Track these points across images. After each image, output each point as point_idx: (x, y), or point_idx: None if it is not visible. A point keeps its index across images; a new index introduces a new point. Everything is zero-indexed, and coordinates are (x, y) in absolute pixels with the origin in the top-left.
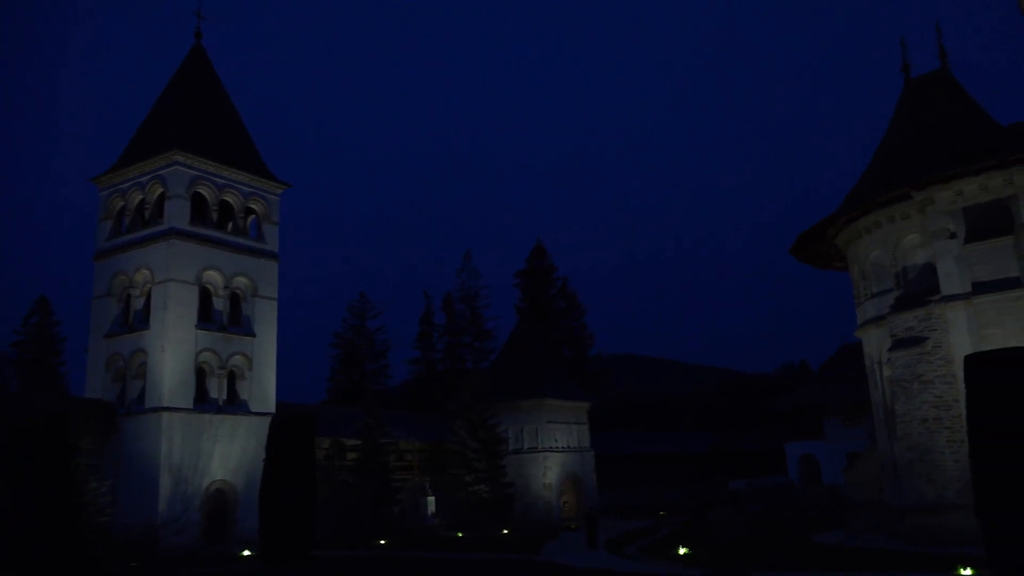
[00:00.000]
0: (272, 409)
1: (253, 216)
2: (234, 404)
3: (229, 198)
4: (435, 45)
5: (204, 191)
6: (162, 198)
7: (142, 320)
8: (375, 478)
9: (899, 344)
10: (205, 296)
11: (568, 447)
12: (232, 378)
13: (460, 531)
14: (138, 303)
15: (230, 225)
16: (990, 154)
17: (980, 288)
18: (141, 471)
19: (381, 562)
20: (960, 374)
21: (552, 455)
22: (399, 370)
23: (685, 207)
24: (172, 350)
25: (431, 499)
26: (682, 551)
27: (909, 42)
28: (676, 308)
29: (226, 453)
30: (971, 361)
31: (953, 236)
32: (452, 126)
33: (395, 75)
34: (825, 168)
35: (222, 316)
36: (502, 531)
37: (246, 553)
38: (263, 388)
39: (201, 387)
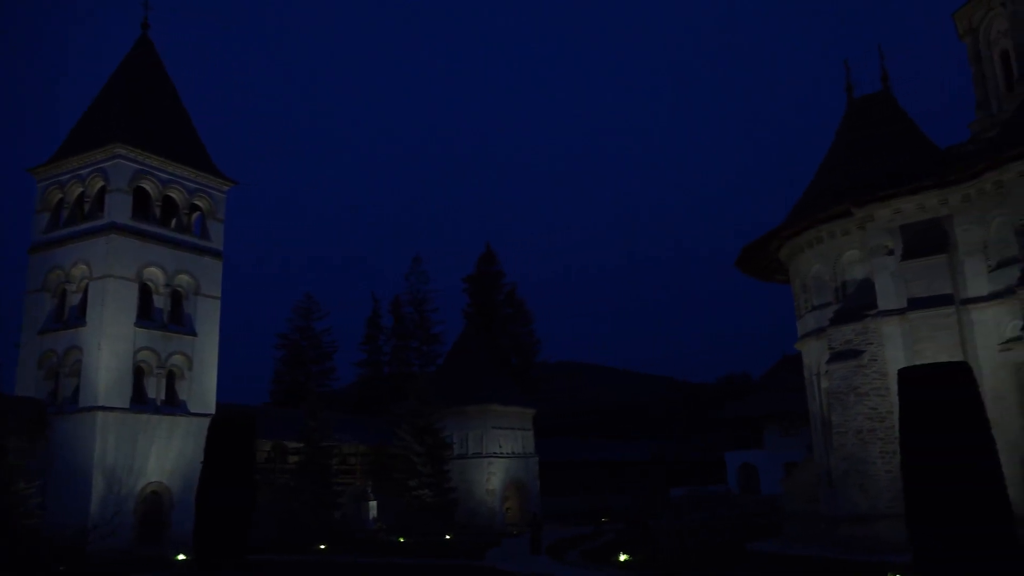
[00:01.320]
0: (212, 410)
1: (198, 213)
2: (172, 404)
3: (173, 194)
4: (411, 49)
5: (147, 186)
6: (103, 191)
7: (78, 316)
8: (316, 482)
9: (837, 356)
10: (145, 293)
11: (513, 453)
12: (171, 378)
13: (402, 536)
14: (74, 299)
15: (174, 221)
16: (927, 175)
17: (915, 304)
18: (73, 472)
19: (319, 567)
20: (894, 387)
21: (497, 461)
22: (345, 372)
23: (632, 221)
24: (109, 348)
25: (373, 503)
26: (622, 558)
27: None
28: (623, 317)
29: (163, 454)
30: (904, 375)
31: (891, 253)
32: (419, 127)
33: (350, 72)
34: (773, 184)
35: (163, 314)
36: (445, 536)
37: (180, 557)
38: (203, 388)
39: (139, 386)
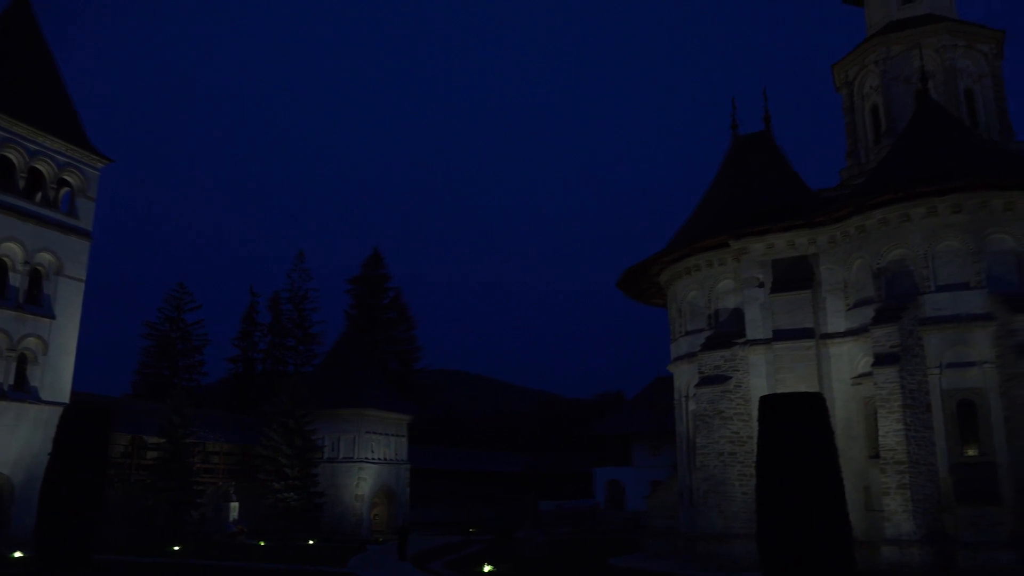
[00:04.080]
0: (66, 399)
1: (67, 189)
2: (22, 390)
3: (41, 166)
4: (292, 40)
5: (12, 155)
6: None
7: None
8: (175, 480)
9: (705, 381)
10: (0, 270)
11: (385, 459)
12: (23, 362)
13: (263, 540)
14: None
15: (39, 196)
16: (799, 214)
17: (779, 335)
18: None
19: (169, 570)
20: (755, 413)
21: (368, 466)
22: (216, 368)
23: (520, 240)
24: None
25: (234, 505)
26: (486, 569)
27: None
28: (506, 330)
29: (6, 444)
30: (764, 402)
31: (761, 285)
32: (302, 120)
33: (239, 62)
34: (662, 208)
35: (18, 293)
36: (308, 542)
37: (18, 555)
38: (58, 375)
39: None
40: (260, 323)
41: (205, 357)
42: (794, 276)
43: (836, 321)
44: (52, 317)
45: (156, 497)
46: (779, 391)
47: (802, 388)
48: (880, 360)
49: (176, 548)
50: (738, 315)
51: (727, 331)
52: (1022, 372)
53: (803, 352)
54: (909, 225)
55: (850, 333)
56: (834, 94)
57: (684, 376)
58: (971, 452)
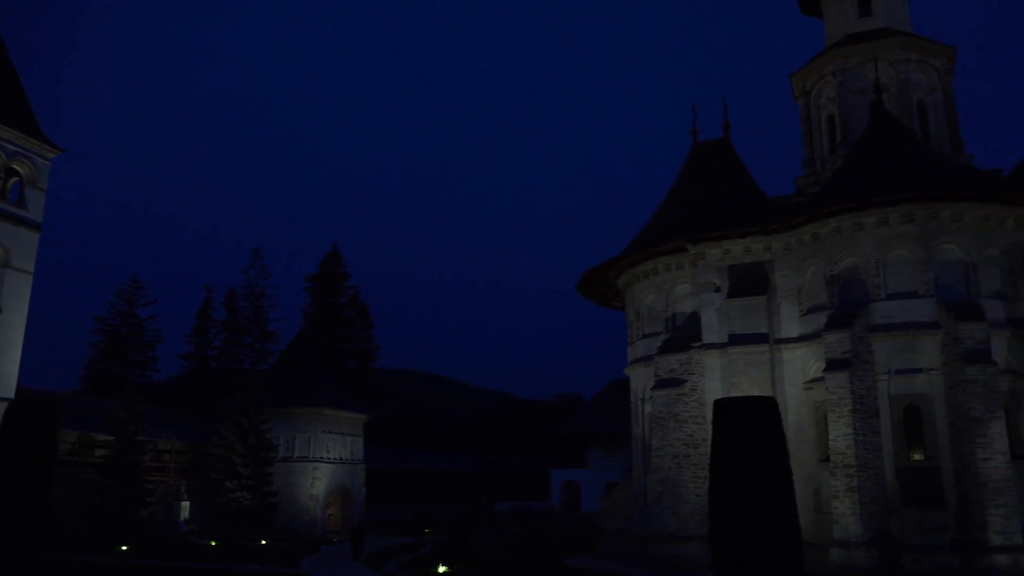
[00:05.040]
0: (11, 394)
1: (16, 179)
2: None
3: None
4: (254, 34)
5: None
6: None
7: None
8: (124, 478)
9: (661, 384)
10: None
11: (340, 459)
12: None
13: (214, 540)
14: None
15: None
16: (755, 221)
17: (735, 340)
18: None
19: (116, 570)
20: (710, 416)
21: (323, 466)
22: (168, 365)
23: (479, 239)
24: None
25: (185, 504)
26: (441, 569)
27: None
28: (465, 330)
29: None
30: (718, 405)
31: (718, 290)
32: (262, 116)
33: (203, 59)
34: (622, 210)
35: None
36: (260, 541)
37: None
38: (3, 370)
39: None
40: (215, 319)
41: (158, 353)
42: (750, 282)
43: (790, 327)
44: None
45: (104, 496)
46: (733, 395)
47: (756, 392)
48: (832, 366)
49: (124, 548)
50: (695, 319)
51: (684, 335)
52: (967, 379)
53: (757, 357)
54: (862, 234)
55: (803, 339)
56: (792, 104)
57: (641, 379)
58: (917, 457)
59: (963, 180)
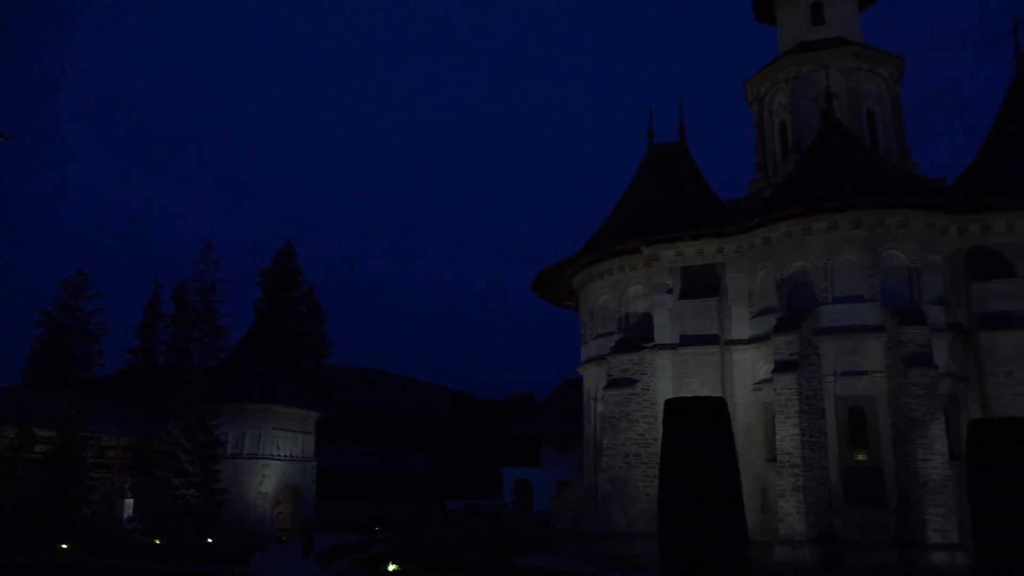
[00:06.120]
0: None
1: None
2: None
3: None
4: (216, 29)
5: None
6: None
7: None
8: (67, 475)
9: (613, 383)
10: None
11: (291, 456)
12: None
13: (159, 538)
14: None
15: None
16: (708, 224)
17: (686, 340)
18: None
19: (54, 569)
20: (661, 416)
21: (272, 463)
22: (114, 359)
23: (434, 237)
24: None
25: (129, 501)
26: (391, 567)
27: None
28: (419, 328)
29: None
30: (669, 405)
31: (670, 291)
32: (227, 112)
33: (152, 51)
34: (581, 212)
35: None
36: (207, 540)
37: None
38: None
39: None
40: (164, 314)
41: (103, 347)
42: (702, 283)
43: (740, 328)
44: None
45: (45, 493)
46: (684, 395)
47: (706, 392)
48: (780, 367)
49: (65, 546)
50: (647, 320)
51: (636, 335)
52: (909, 382)
53: (708, 357)
54: (811, 239)
55: (753, 340)
56: (746, 109)
57: (593, 378)
58: (860, 457)
59: (909, 188)
